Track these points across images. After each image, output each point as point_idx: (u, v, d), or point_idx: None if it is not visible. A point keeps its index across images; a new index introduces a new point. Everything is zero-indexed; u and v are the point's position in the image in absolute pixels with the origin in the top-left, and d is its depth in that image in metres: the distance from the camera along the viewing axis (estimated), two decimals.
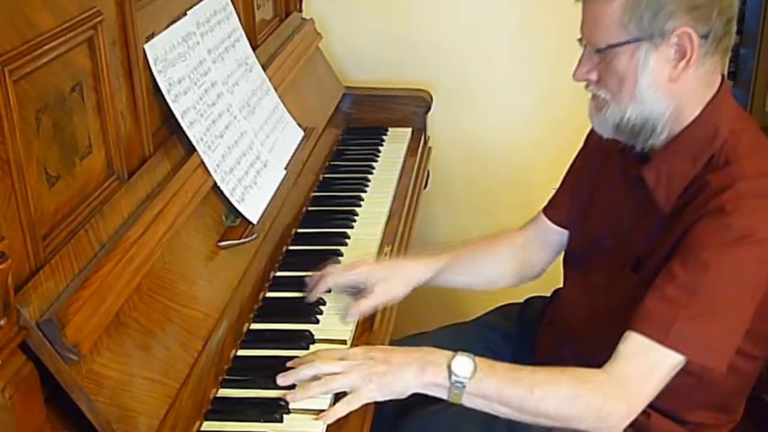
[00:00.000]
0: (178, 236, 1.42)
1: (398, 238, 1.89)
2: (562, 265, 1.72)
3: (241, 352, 1.48)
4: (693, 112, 1.42)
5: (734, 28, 1.41)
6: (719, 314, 1.34)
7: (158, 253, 1.33)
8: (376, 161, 2.20)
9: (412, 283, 1.65)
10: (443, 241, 2.27)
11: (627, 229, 1.51)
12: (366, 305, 1.57)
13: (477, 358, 1.35)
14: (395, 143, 2.32)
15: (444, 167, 2.51)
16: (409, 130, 2.39)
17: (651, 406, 1.42)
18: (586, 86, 1.45)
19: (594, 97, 1.45)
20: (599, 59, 1.40)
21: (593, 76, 1.42)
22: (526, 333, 1.80)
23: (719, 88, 1.43)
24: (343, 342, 1.51)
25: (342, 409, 1.34)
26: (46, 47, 1.17)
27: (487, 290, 1.81)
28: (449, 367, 1.33)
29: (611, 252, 1.54)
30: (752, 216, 1.33)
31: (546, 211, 1.75)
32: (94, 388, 1.11)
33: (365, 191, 2.05)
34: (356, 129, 2.40)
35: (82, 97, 1.28)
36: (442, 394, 1.35)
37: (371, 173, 2.14)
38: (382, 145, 2.30)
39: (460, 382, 1.33)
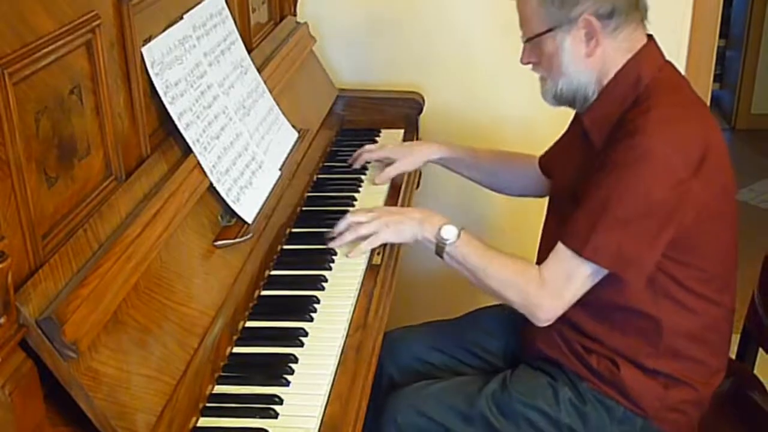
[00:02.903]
0: (174, 236, 1.43)
1: None
2: None
3: (236, 349, 1.50)
4: (615, 71, 1.60)
5: None
6: (629, 227, 1.50)
7: (155, 252, 1.35)
8: (369, 162, 2.22)
9: (423, 158, 2.09)
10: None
11: (579, 176, 1.64)
12: (387, 172, 2.06)
13: (464, 232, 1.64)
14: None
15: (436, 168, 2.52)
16: (402, 131, 2.40)
17: (616, 351, 1.60)
18: (533, 68, 1.68)
19: (540, 77, 1.69)
20: (532, 47, 1.64)
21: (534, 59, 1.66)
22: (517, 330, 1.82)
23: (644, 45, 1.61)
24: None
25: (366, 246, 1.73)
26: (45, 50, 1.18)
27: (495, 191, 2.10)
28: (439, 229, 1.64)
29: (570, 198, 1.64)
30: (653, 137, 1.49)
31: (540, 157, 1.97)
32: (93, 385, 1.13)
33: (358, 191, 2.06)
34: (349, 130, 2.42)
35: (80, 99, 1.29)
36: (431, 248, 1.67)
37: (364, 174, 2.15)
38: None
39: (443, 243, 1.64)
